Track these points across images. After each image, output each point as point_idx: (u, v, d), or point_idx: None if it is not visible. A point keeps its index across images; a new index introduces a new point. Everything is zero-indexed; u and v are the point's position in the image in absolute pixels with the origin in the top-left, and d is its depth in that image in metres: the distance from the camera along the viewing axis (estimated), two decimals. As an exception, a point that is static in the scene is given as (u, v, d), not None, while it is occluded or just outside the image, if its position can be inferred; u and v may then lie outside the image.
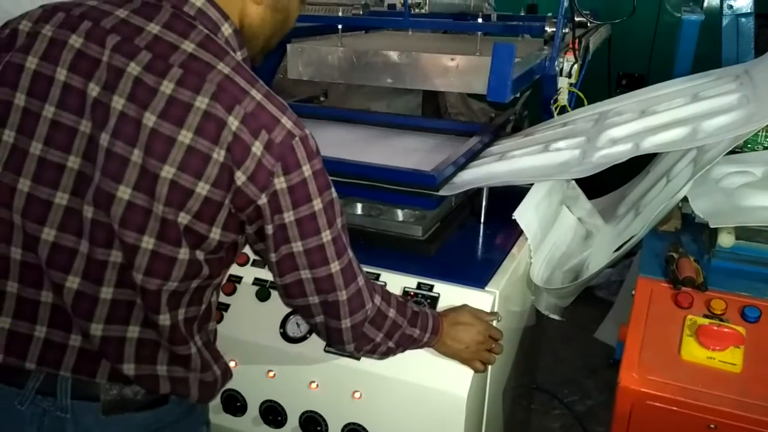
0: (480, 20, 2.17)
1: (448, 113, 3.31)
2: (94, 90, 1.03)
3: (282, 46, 2.11)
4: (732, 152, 1.68)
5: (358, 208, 1.80)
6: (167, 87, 1.02)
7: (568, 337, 3.31)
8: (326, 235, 1.12)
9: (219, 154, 1.02)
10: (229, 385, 1.56)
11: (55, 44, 1.06)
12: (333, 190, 1.14)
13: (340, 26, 2.27)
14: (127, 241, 1.03)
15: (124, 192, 1.02)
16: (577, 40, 2.12)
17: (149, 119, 1.01)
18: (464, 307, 1.46)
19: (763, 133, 1.84)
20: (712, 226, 1.60)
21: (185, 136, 1.01)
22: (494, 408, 1.69)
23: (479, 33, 2.08)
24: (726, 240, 1.61)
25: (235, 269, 1.63)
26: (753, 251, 1.62)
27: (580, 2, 2.09)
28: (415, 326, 1.33)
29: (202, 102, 1.02)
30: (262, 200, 1.05)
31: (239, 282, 1.62)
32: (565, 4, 1.98)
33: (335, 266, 1.14)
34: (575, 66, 2.11)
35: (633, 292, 1.59)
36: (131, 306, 1.07)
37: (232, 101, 1.03)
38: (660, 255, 1.66)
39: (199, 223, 1.05)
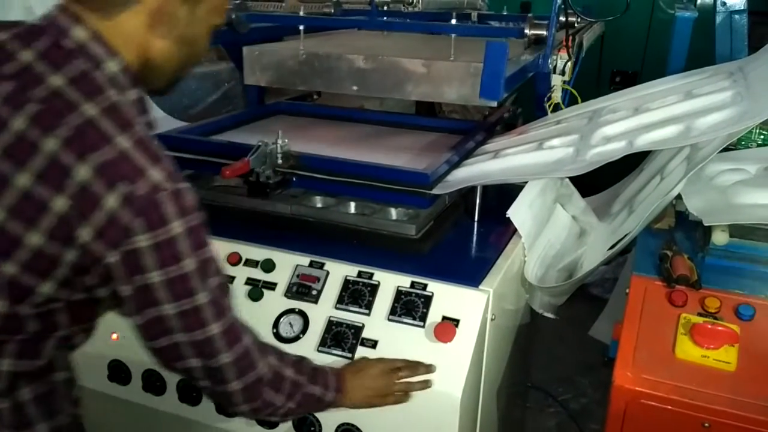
0: (454, 21, 1.99)
1: (442, 111, 3.30)
2: None
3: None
4: (726, 149, 1.67)
5: (352, 207, 1.79)
6: (18, 123, 0.94)
7: (563, 335, 3.31)
8: (202, 297, 1.03)
9: (59, 204, 0.93)
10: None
11: None
12: (210, 248, 1.05)
13: (301, 27, 2.13)
14: None
15: None
16: (570, 38, 2.11)
17: None
18: (362, 359, 1.45)
19: (757, 131, 1.84)
20: (706, 224, 1.60)
21: (23, 179, 0.93)
22: (489, 407, 1.69)
23: (453, 36, 1.91)
24: (720, 238, 1.61)
25: (227, 269, 1.62)
26: (747, 249, 1.61)
27: (574, 0, 2.08)
28: (316, 384, 1.28)
29: (51, 144, 0.93)
30: (113, 258, 0.96)
31: (231, 282, 1.60)
32: (559, 1, 1.97)
33: (215, 328, 1.06)
34: (569, 63, 2.11)
35: (627, 290, 1.59)
36: None
37: (86, 148, 0.93)
38: (654, 253, 1.65)
39: (26, 276, 0.96)
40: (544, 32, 1.95)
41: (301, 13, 2.29)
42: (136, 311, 1.02)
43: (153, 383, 1.60)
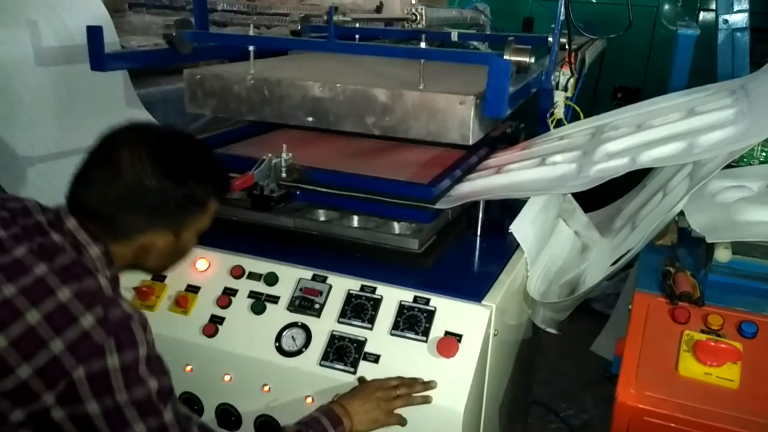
0: (423, 44, 1.73)
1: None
2: None
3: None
4: (728, 166, 1.68)
5: (355, 221, 1.80)
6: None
7: (565, 350, 3.29)
8: (168, 417, 1.12)
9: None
10: (224, 399, 1.56)
11: None
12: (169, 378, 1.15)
13: (251, 48, 1.87)
14: None
15: None
16: (573, 54, 2.12)
17: None
18: (356, 386, 1.45)
19: (759, 148, 1.84)
20: (708, 241, 1.60)
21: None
22: (491, 422, 1.68)
23: (422, 61, 1.69)
24: (723, 255, 1.61)
25: (230, 282, 1.62)
26: (750, 266, 1.61)
27: (576, 16, 2.10)
28: None
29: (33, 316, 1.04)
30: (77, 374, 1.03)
31: (234, 295, 1.61)
32: (561, 18, 1.98)
33: None
34: (571, 80, 2.12)
35: (630, 306, 1.58)
36: None
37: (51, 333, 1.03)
38: (657, 269, 1.65)
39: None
40: (526, 59, 1.71)
41: (251, 32, 2.01)
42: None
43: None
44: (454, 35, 2.60)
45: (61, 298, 1.06)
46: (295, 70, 1.97)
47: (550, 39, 2.18)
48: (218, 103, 1.82)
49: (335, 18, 2.09)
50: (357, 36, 2.58)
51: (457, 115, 1.63)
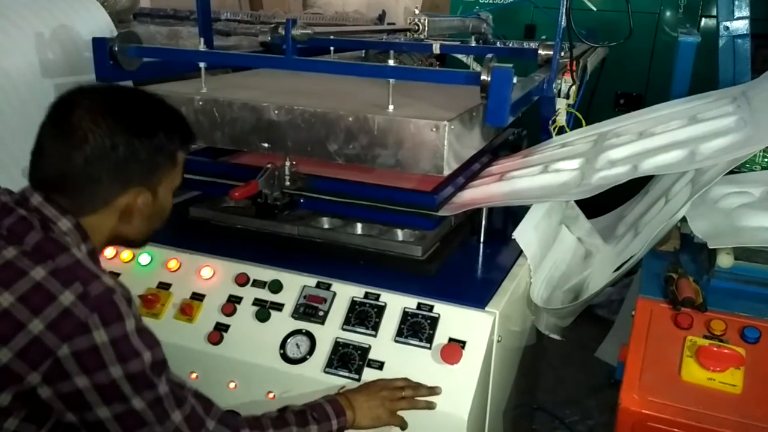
0: (391, 62, 1.61)
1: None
2: None
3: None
4: (730, 172, 1.69)
5: (359, 229, 1.81)
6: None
7: (569, 356, 3.29)
8: (162, 389, 1.11)
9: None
10: (229, 406, 1.56)
11: None
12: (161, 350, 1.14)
13: (202, 65, 1.74)
14: None
15: None
16: (574, 62, 2.13)
17: None
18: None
19: (761, 154, 1.85)
20: (711, 247, 1.60)
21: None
22: (495, 429, 1.68)
23: (391, 81, 1.54)
24: (725, 260, 1.61)
25: (234, 290, 1.63)
26: (752, 272, 1.62)
27: (578, 23, 2.11)
28: (308, 424, 1.30)
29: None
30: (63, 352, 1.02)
31: (239, 302, 1.62)
32: (563, 25, 1.99)
33: (178, 416, 1.12)
34: (573, 87, 2.13)
35: (633, 313, 1.59)
36: None
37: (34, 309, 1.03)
38: (659, 275, 1.66)
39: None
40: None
41: (201, 47, 1.83)
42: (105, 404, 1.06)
43: None
44: (436, 47, 2.42)
45: (35, 277, 1.03)
46: (253, 88, 1.84)
47: (540, 51, 2.19)
48: None
49: (294, 32, 1.87)
50: (332, 48, 2.47)
51: (429, 142, 1.47)
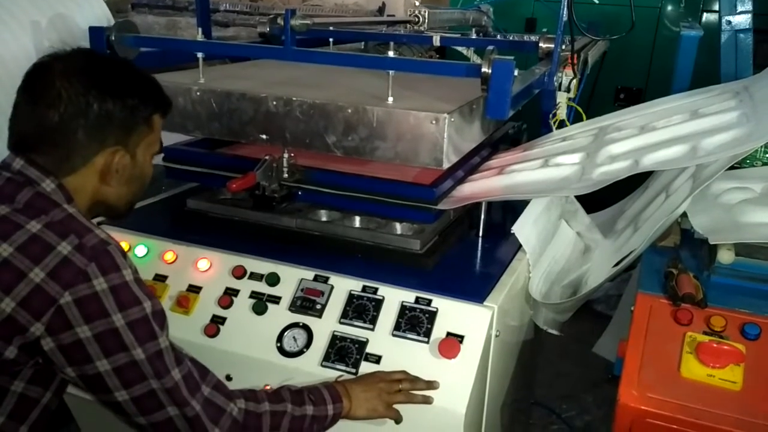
0: (391, 53, 1.56)
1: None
2: None
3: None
4: (731, 168, 1.67)
5: (357, 222, 1.79)
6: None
7: (567, 351, 3.29)
8: (163, 342, 1.12)
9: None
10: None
11: None
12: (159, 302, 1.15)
13: (200, 55, 1.73)
14: None
15: None
16: (575, 55, 2.12)
17: None
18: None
19: (762, 149, 1.84)
20: (711, 243, 1.59)
21: None
22: (492, 423, 1.68)
23: (390, 72, 1.53)
24: (725, 256, 1.61)
25: (231, 282, 1.62)
26: (753, 268, 1.61)
27: (579, 16, 2.09)
28: (304, 404, 1.30)
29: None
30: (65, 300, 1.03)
31: (236, 295, 1.61)
32: (564, 19, 1.98)
33: (177, 374, 1.13)
34: (574, 81, 2.11)
35: (632, 308, 1.58)
36: None
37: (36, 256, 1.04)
38: (659, 271, 1.65)
39: None
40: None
41: (199, 37, 1.81)
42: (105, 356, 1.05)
43: None
44: (436, 40, 2.42)
45: (31, 230, 1.05)
46: (251, 79, 1.83)
47: (541, 44, 2.17)
48: None
49: (293, 23, 1.84)
50: (331, 40, 2.47)
51: (429, 135, 1.48)
